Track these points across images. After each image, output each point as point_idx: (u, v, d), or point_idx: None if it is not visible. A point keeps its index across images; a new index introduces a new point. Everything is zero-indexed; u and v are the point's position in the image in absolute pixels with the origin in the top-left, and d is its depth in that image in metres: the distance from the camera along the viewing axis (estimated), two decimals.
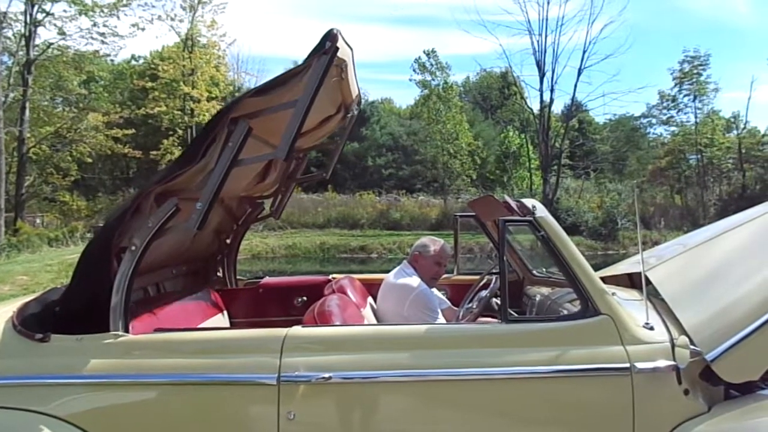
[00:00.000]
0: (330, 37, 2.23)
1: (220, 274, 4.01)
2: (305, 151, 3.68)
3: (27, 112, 23.63)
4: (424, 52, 33.66)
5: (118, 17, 24.97)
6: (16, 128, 23.45)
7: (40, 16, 23.75)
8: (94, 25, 24.50)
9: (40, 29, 24.08)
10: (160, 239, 2.36)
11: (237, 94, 34.29)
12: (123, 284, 2.29)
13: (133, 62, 34.35)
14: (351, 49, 2.54)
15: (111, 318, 2.29)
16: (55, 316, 2.43)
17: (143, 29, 26.04)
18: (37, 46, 24.20)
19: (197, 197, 2.27)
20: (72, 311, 2.40)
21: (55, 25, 24.11)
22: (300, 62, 2.31)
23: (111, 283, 2.29)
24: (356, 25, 65.54)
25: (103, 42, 25.19)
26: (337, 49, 2.25)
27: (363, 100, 3.35)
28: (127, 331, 2.30)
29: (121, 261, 2.31)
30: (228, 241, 4.02)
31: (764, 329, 2.18)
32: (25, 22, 23.54)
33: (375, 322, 3.24)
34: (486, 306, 3.18)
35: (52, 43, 24.49)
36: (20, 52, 23.82)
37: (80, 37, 24.76)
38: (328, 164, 3.85)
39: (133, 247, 2.30)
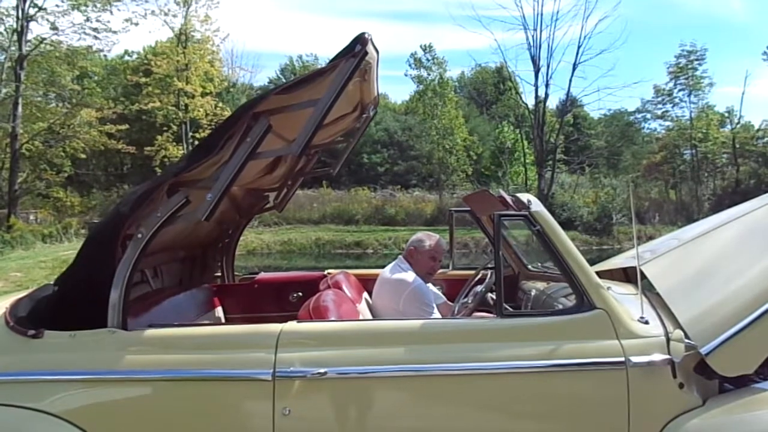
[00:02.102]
0: (360, 41, 2.23)
1: (218, 263, 3.99)
2: (318, 147, 3.66)
3: (20, 107, 23.43)
4: (420, 46, 33.68)
5: (111, 12, 24.89)
6: (8, 124, 23.30)
7: (32, 11, 23.59)
8: (87, 20, 24.39)
9: (32, 24, 23.94)
10: (166, 228, 2.35)
11: (231, 90, 34.29)
12: (124, 277, 2.27)
13: (127, 58, 34.13)
14: (377, 52, 2.54)
15: (109, 314, 2.27)
16: (53, 296, 2.42)
17: (136, 24, 25.95)
18: (30, 41, 23.99)
19: (208, 188, 2.26)
20: (69, 294, 2.39)
21: (47, 20, 23.97)
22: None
23: (113, 270, 2.27)
24: (351, 20, 65.42)
25: (96, 37, 25.08)
26: (366, 53, 2.25)
27: None
28: (125, 327, 2.29)
29: (125, 248, 2.30)
30: (229, 231, 4.00)
31: (758, 323, 2.19)
32: (17, 17, 23.33)
33: (370, 317, 3.23)
34: (481, 301, 3.18)
35: (44, 39, 24.29)
36: (12, 48, 23.63)
37: (73, 33, 24.65)
38: (337, 161, 3.85)
39: (140, 235, 2.28)
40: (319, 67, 2.35)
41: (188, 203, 2.28)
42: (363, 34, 2.25)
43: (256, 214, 4.10)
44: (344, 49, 2.25)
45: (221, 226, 3.84)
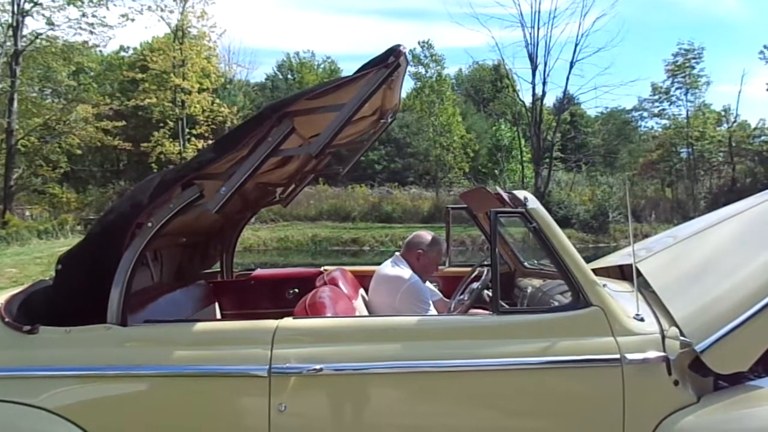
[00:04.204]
0: (395, 52, 2.23)
1: (219, 253, 3.98)
2: (333, 148, 3.66)
3: (15, 103, 23.31)
4: (418, 43, 33.57)
5: (107, 7, 24.71)
6: (4, 120, 23.18)
7: (27, 6, 23.45)
8: (83, 15, 24.22)
9: (27, 19, 23.78)
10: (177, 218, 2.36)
11: (228, 86, 34.17)
12: (127, 269, 2.27)
13: (123, 53, 33.96)
14: (407, 63, 2.55)
15: (109, 308, 2.27)
16: (55, 276, 2.41)
17: (132, 20, 25.77)
18: (25, 36, 23.87)
19: (222, 181, 2.27)
20: (70, 278, 2.38)
21: (43, 15, 23.82)
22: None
23: (119, 257, 2.27)
24: (348, 17, 65.34)
25: (91, 32, 24.89)
26: (399, 65, 2.25)
27: None
28: (124, 323, 2.28)
29: (134, 237, 2.30)
30: (233, 222, 3.98)
31: (754, 320, 2.20)
32: (13, 11, 23.22)
33: (367, 314, 3.23)
34: (477, 298, 3.18)
35: (40, 34, 24.16)
36: (8, 43, 23.50)
37: (69, 28, 24.48)
38: (347, 162, 3.85)
39: (150, 224, 2.29)
40: (344, 73, 2.36)
41: (202, 197, 2.29)
42: (398, 46, 2.26)
43: (262, 207, 4.10)
44: (377, 58, 2.26)
45: (225, 216, 3.83)
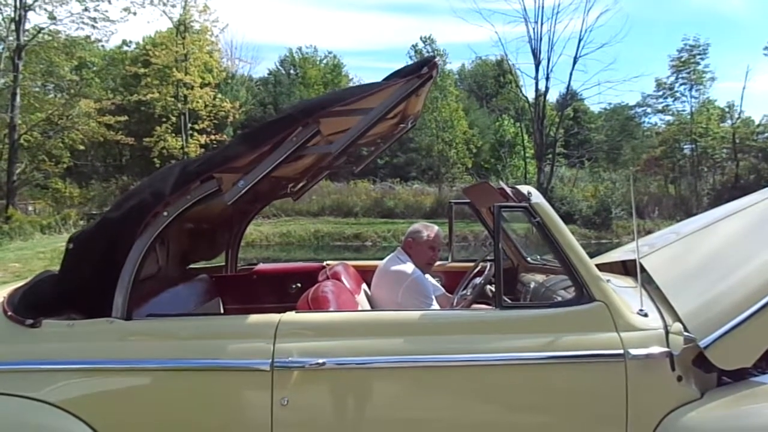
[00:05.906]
0: (429, 64, 2.25)
1: (225, 242, 3.97)
2: (354, 147, 3.66)
3: (18, 98, 23.32)
4: (421, 38, 33.54)
5: (109, 1, 24.79)
6: (6, 114, 23.19)
7: (30, 0, 23.44)
8: (85, 9, 24.21)
9: (30, 14, 23.80)
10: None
11: (230, 81, 34.14)
12: (135, 262, 2.27)
13: (125, 48, 33.94)
14: (438, 74, 2.55)
15: (114, 303, 2.27)
16: (66, 253, 2.41)
17: (135, 14, 25.73)
18: (27, 31, 23.87)
19: (241, 174, 2.27)
20: (82, 253, 2.37)
21: (45, 9, 23.84)
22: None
23: (131, 244, 2.27)
24: (351, 12, 65.23)
25: (94, 27, 24.88)
26: (431, 77, 2.26)
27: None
28: (129, 317, 2.29)
29: (147, 226, 2.30)
30: (243, 212, 3.98)
31: (757, 316, 2.19)
32: (15, 6, 23.20)
33: (369, 308, 3.23)
34: (480, 293, 3.18)
35: (42, 28, 24.18)
36: (10, 38, 23.51)
37: (71, 22, 24.50)
38: (361, 160, 3.85)
39: (165, 213, 2.29)
40: (374, 81, 2.37)
41: (220, 190, 2.29)
42: (434, 58, 2.28)
43: (273, 200, 4.11)
44: (411, 66, 2.27)
45: (235, 206, 3.82)
